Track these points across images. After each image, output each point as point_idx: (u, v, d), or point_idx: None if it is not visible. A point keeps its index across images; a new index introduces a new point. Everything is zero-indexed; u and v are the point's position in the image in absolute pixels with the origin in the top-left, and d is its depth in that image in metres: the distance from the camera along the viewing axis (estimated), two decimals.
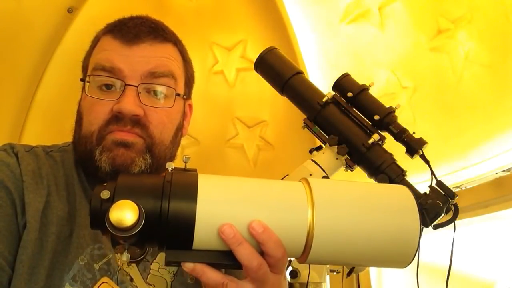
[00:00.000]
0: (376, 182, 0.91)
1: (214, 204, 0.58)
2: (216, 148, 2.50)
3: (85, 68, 0.89)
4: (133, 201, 0.55)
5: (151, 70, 0.82)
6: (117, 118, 0.80)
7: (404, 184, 0.89)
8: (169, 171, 0.61)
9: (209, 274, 0.58)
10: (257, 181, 0.64)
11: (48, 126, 2.15)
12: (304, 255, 0.61)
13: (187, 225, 0.56)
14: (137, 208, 0.54)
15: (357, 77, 0.99)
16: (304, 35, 2.23)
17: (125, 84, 0.80)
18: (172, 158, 0.90)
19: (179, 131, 0.90)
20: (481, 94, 1.65)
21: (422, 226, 0.62)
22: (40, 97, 2.15)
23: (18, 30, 2.02)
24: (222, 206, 0.58)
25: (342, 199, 0.62)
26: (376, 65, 2.03)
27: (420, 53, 1.85)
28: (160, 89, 0.84)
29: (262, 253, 0.59)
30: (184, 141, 2.67)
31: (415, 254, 0.62)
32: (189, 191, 0.57)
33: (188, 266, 0.58)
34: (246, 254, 0.57)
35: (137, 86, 0.81)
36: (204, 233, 0.57)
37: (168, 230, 0.56)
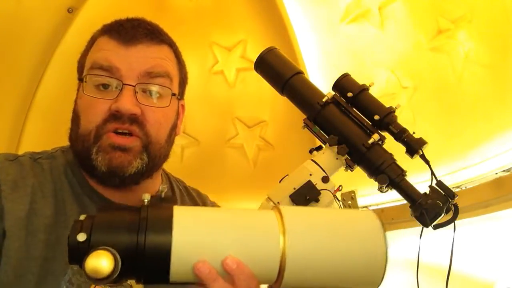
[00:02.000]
0: (376, 182, 0.91)
1: (190, 239, 0.59)
2: (216, 148, 2.50)
3: (80, 68, 0.90)
4: (109, 241, 0.56)
5: (147, 70, 0.84)
6: (115, 116, 0.81)
7: (404, 184, 0.89)
8: (145, 203, 0.61)
9: (219, 285, 0.59)
10: (231, 212, 0.65)
11: (48, 126, 2.15)
12: (277, 282, 0.63)
13: (163, 259, 0.57)
14: (112, 258, 0.55)
15: (357, 77, 0.99)
16: (304, 35, 2.23)
17: (123, 84, 0.81)
18: (166, 157, 0.92)
19: (173, 130, 0.92)
20: (481, 94, 1.65)
21: (388, 254, 0.64)
22: (40, 97, 2.16)
23: (18, 30, 2.02)
24: (197, 240, 0.60)
25: (312, 227, 0.64)
26: (376, 65, 2.03)
27: (420, 53, 1.85)
28: (157, 89, 0.85)
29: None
30: (184, 141, 2.68)
31: (383, 276, 0.64)
32: (165, 227, 0.58)
33: None
34: None
35: (135, 86, 0.82)
36: (181, 267, 0.58)
37: (145, 265, 0.57)
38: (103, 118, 0.81)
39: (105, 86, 0.83)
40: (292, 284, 0.63)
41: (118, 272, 0.55)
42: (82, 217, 0.60)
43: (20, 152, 0.89)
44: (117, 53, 0.83)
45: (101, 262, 0.54)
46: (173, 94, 0.88)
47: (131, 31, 0.85)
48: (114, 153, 0.80)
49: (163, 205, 0.62)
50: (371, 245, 0.64)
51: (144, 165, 0.83)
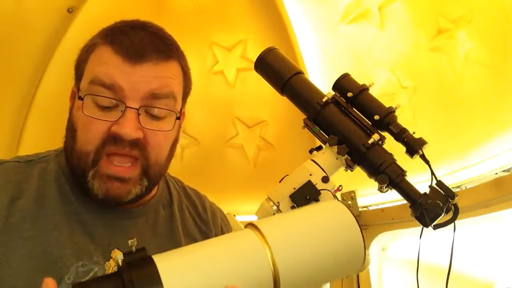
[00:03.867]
0: (376, 182, 0.91)
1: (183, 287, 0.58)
2: (216, 148, 2.50)
3: (79, 75, 0.84)
4: None
5: (152, 91, 0.79)
6: (115, 139, 0.77)
7: (404, 184, 0.89)
8: (120, 264, 0.58)
9: None
10: (211, 243, 0.65)
11: (48, 126, 2.15)
12: None
13: None
14: None
15: (357, 77, 0.99)
16: (304, 35, 2.23)
17: (126, 106, 0.77)
18: (162, 176, 0.90)
19: (174, 146, 0.89)
20: (481, 94, 1.65)
21: (364, 242, 0.68)
22: (40, 97, 2.15)
23: (18, 30, 2.02)
24: (190, 286, 0.58)
25: (293, 233, 0.66)
26: (376, 65, 2.03)
27: (420, 53, 1.85)
28: (160, 112, 0.81)
29: None
30: (184, 141, 2.68)
31: (364, 259, 0.68)
32: (155, 284, 0.55)
33: None
34: None
35: (138, 109, 0.78)
36: None
37: None
38: (102, 138, 0.77)
39: (106, 106, 0.78)
40: None
41: None
42: None
43: (20, 153, 0.88)
44: (121, 70, 0.78)
45: None
46: (178, 118, 0.84)
47: (139, 45, 0.79)
48: (112, 184, 0.78)
49: (143, 260, 0.59)
50: (349, 236, 0.68)
51: (143, 189, 0.82)
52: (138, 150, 0.79)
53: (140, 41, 0.80)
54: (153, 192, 0.94)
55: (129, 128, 0.76)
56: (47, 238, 0.77)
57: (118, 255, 0.58)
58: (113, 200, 0.79)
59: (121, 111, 0.77)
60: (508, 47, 1.53)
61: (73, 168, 0.82)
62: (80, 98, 0.79)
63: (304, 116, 1.00)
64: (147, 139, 0.80)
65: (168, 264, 0.59)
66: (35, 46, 2.10)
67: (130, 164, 0.79)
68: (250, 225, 0.67)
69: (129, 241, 0.59)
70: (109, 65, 0.79)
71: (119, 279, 0.56)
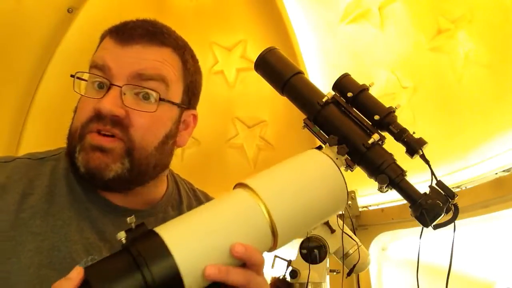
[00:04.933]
0: (376, 182, 0.91)
1: (190, 253, 0.60)
2: (216, 148, 2.50)
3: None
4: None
5: (139, 71, 0.80)
6: (98, 117, 0.79)
7: (404, 184, 0.89)
8: (123, 241, 0.59)
9: (233, 274, 0.61)
10: (208, 208, 0.68)
11: (48, 126, 2.15)
12: (274, 244, 0.69)
13: (176, 283, 0.57)
14: None
15: (357, 77, 0.99)
16: (304, 35, 2.23)
17: (110, 84, 0.79)
18: (162, 166, 0.88)
19: (169, 139, 0.87)
20: (481, 94, 1.65)
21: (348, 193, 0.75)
22: (40, 97, 2.15)
23: (18, 30, 2.02)
24: (197, 250, 0.61)
25: (282, 185, 0.72)
26: (376, 65, 2.03)
27: (420, 53, 1.85)
28: (146, 92, 0.81)
29: (243, 265, 0.64)
30: None
31: (347, 195, 0.76)
32: (163, 253, 0.58)
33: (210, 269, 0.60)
34: (236, 278, 0.61)
35: (121, 87, 0.79)
36: (193, 282, 0.59)
37: None
38: (88, 116, 0.80)
39: (101, 86, 0.81)
40: (285, 240, 0.70)
41: None
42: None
43: (20, 152, 0.88)
44: (111, 52, 0.82)
45: None
46: (161, 99, 0.83)
47: (129, 31, 0.83)
48: (93, 154, 0.78)
49: (146, 234, 0.60)
50: (330, 176, 0.75)
51: (126, 171, 0.80)
52: (120, 129, 0.79)
53: (134, 26, 0.84)
54: (162, 192, 0.94)
55: (108, 103, 0.77)
56: (57, 234, 0.78)
57: (122, 234, 0.60)
58: (94, 174, 0.78)
59: (106, 90, 0.80)
60: (508, 47, 1.53)
61: (69, 153, 0.83)
62: (72, 76, 0.83)
63: (304, 116, 1.00)
64: (130, 119, 0.80)
65: (171, 233, 0.61)
66: (35, 46, 2.10)
67: (112, 138, 0.80)
68: (240, 184, 0.71)
69: (128, 219, 0.61)
70: (104, 49, 0.84)
71: (128, 254, 0.58)
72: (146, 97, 0.81)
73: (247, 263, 0.63)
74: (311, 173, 0.75)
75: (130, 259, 0.57)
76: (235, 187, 0.72)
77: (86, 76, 0.83)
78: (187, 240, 0.61)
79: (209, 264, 0.59)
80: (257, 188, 0.68)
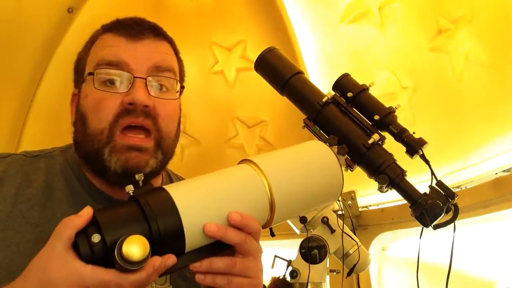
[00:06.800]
0: (376, 182, 0.91)
1: (194, 211, 0.64)
2: (216, 148, 2.50)
3: (80, 70, 0.88)
4: (124, 234, 0.57)
5: (156, 64, 0.84)
6: (128, 110, 0.80)
7: (404, 184, 0.89)
8: (131, 193, 0.64)
9: (231, 232, 0.65)
10: (214, 175, 0.72)
11: (48, 126, 2.15)
12: (270, 219, 0.72)
13: (178, 237, 0.61)
14: (145, 239, 0.57)
15: (357, 77, 0.99)
16: (304, 35, 2.23)
17: (134, 77, 0.81)
18: (172, 154, 0.91)
19: (179, 125, 0.92)
20: (481, 94, 1.65)
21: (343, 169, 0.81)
22: (40, 97, 2.15)
23: (18, 30, 2.02)
24: (201, 209, 0.65)
25: (284, 165, 0.76)
26: (376, 65, 2.03)
27: (420, 53, 1.84)
28: (166, 82, 0.85)
29: None
30: (184, 141, 2.67)
31: (342, 185, 0.80)
32: (170, 208, 0.62)
33: (195, 266, 0.65)
34: (233, 236, 0.66)
35: (145, 79, 0.82)
36: (193, 237, 0.63)
37: (162, 246, 0.60)
38: (115, 113, 0.80)
39: (112, 82, 0.82)
40: (280, 217, 0.74)
41: (150, 256, 0.57)
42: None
43: None
44: (124, 48, 0.83)
45: (138, 244, 0.56)
46: (182, 87, 0.89)
47: (136, 27, 0.86)
48: (131, 153, 0.80)
49: (154, 189, 0.65)
50: (329, 164, 0.79)
51: (159, 163, 0.83)
52: (151, 120, 0.82)
53: (137, 24, 0.87)
54: (158, 185, 0.95)
55: (141, 94, 0.80)
56: (55, 225, 0.78)
57: (130, 186, 0.64)
58: (133, 171, 0.78)
59: (130, 83, 0.81)
60: (508, 47, 1.53)
61: (87, 154, 0.83)
62: (91, 74, 0.83)
63: (304, 116, 1.00)
64: (156, 110, 0.82)
65: (178, 191, 0.65)
66: (35, 46, 2.10)
67: (143, 136, 0.82)
68: (245, 160, 0.75)
69: (136, 175, 0.66)
70: (112, 46, 0.84)
71: (135, 203, 0.62)
72: (163, 87, 0.85)
73: (244, 230, 0.67)
74: (312, 159, 0.79)
75: (138, 208, 0.61)
76: (239, 162, 0.76)
77: (103, 73, 0.82)
78: (191, 198, 0.65)
79: (209, 223, 0.63)
80: (261, 164, 0.72)
